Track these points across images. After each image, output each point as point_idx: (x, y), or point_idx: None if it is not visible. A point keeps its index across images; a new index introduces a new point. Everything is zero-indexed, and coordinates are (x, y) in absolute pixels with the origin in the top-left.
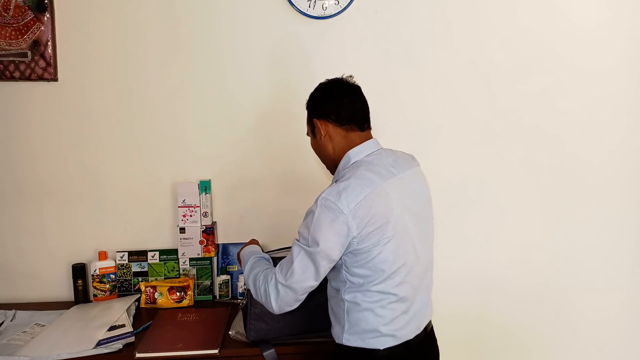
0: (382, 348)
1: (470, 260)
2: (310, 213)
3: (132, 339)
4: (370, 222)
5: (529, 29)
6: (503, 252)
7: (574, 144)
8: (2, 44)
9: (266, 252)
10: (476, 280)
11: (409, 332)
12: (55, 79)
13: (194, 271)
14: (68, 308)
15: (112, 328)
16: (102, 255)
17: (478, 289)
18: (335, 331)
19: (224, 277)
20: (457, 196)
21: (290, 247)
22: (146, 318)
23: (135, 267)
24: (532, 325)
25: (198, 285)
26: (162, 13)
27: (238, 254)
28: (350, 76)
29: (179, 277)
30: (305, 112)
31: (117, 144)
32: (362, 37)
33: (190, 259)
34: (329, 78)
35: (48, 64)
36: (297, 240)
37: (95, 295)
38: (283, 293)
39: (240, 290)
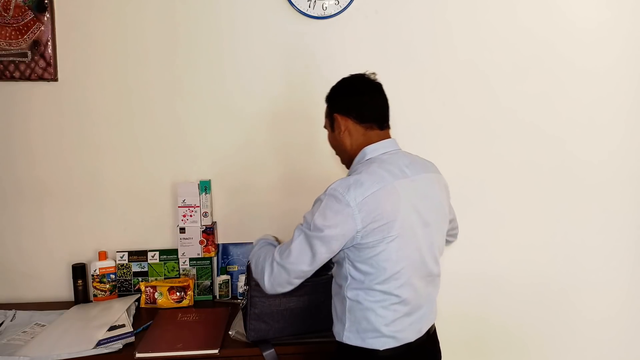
0: (381, 349)
1: (471, 261)
2: (317, 201)
3: (132, 339)
4: (377, 218)
5: (529, 29)
6: (503, 253)
7: (574, 144)
8: (2, 44)
9: None
10: (476, 280)
11: (411, 334)
12: (55, 79)
13: (194, 271)
14: (68, 308)
15: (112, 328)
16: (102, 255)
17: (478, 289)
18: (337, 329)
19: (224, 277)
20: (457, 196)
21: None
22: (146, 318)
23: (135, 267)
24: (532, 325)
25: (198, 285)
26: (162, 13)
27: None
28: (373, 73)
29: (179, 277)
30: (324, 106)
31: (117, 144)
32: (362, 37)
33: (190, 259)
34: (353, 73)
35: (48, 64)
36: (301, 225)
37: (95, 295)
38: (277, 271)
39: (240, 290)
